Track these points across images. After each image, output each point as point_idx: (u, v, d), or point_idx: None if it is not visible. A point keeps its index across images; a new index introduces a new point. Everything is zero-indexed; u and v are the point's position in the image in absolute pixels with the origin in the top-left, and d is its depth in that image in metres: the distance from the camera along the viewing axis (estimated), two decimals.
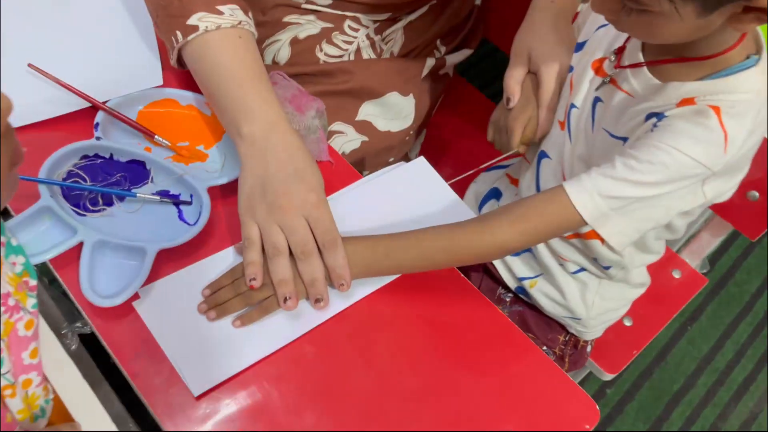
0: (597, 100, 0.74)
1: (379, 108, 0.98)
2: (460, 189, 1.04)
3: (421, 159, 0.81)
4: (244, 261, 0.67)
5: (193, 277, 0.68)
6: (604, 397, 1.39)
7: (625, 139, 0.69)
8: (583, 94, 0.75)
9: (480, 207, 0.99)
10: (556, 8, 0.84)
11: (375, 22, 0.94)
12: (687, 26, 0.56)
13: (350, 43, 0.94)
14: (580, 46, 0.80)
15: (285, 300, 0.65)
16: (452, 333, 0.68)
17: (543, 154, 0.83)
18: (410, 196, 0.78)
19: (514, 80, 0.84)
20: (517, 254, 0.91)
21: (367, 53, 0.96)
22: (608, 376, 0.99)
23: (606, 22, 0.75)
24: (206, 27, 0.71)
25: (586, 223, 0.64)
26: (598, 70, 0.74)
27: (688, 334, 1.50)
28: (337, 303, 0.68)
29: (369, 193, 0.77)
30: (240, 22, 0.73)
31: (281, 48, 0.94)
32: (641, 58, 0.67)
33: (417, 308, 0.69)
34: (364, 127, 0.97)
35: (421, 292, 0.70)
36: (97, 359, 0.73)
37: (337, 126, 0.94)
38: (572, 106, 0.77)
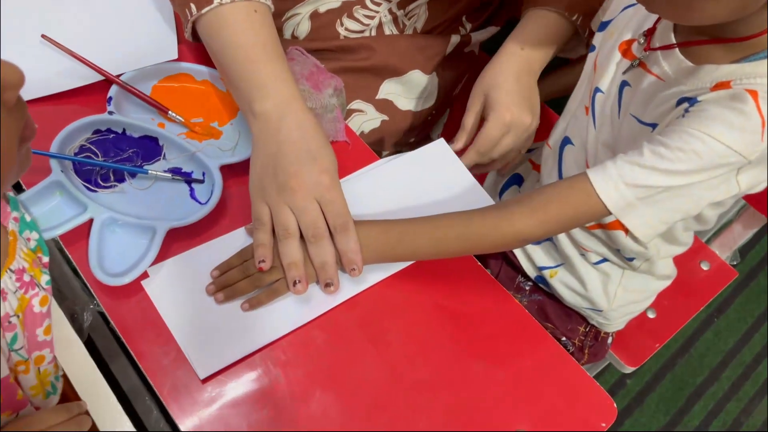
0: (624, 84, 0.70)
1: (401, 86, 0.95)
2: (480, 173, 1.01)
3: (441, 141, 0.78)
4: (254, 242, 0.65)
5: (203, 257, 0.67)
6: (624, 387, 1.37)
7: (654, 126, 0.66)
8: (609, 77, 0.71)
9: (501, 193, 0.96)
10: (524, 56, 0.80)
11: None
12: (730, 4, 0.52)
13: (372, 17, 0.91)
14: (604, 25, 0.76)
15: (294, 283, 0.63)
16: (466, 323, 0.66)
17: (566, 140, 0.80)
18: (428, 180, 0.75)
19: (468, 122, 0.81)
20: (537, 243, 0.88)
21: (390, 29, 0.93)
22: (628, 369, 0.97)
23: (634, 2, 0.71)
24: (220, 0, 0.69)
25: (610, 213, 0.61)
26: (625, 52, 0.70)
27: (715, 326, 1.46)
28: (348, 288, 0.66)
29: (385, 175, 0.75)
30: None
31: (301, 22, 0.91)
32: (673, 40, 0.63)
33: (430, 295, 0.67)
34: (384, 105, 0.94)
35: (435, 279, 0.68)
36: (115, 333, 0.73)
37: (356, 104, 0.92)
38: (597, 90, 0.73)
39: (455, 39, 0.98)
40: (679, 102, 0.61)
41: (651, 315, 0.99)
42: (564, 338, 0.91)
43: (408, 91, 0.96)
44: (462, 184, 0.75)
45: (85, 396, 0.58)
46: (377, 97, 0.94)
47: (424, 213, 0.71)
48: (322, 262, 0.65)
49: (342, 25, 0.91)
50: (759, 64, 0.57)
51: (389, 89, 0.94)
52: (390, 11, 0.91)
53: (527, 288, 0.93)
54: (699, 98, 0.59)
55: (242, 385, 0.60)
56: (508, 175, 0.97)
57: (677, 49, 0.62)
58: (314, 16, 0.91)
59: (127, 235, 0.66)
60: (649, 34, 0.67)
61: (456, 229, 0.65)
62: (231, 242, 0.68)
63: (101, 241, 0.64)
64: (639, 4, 0.59)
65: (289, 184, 0.65)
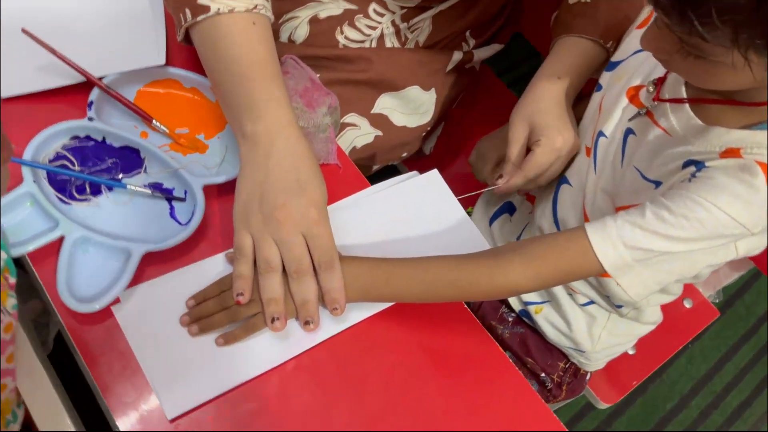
0: (629, 131, 0.68)
1: (397, 101, 0.92)
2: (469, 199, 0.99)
3: (435, 172, 0.75)
4: (233, 273, 0.62)
5: (179, 283, 0.64)
6: (593, 410, 1.37)
7: (657, 183, 0.63)
8: (614, 122, 0.69)
9: (491, 221, 0.94)
10: (561, 85, 0.77)
11: (402, 8, 0.87)
12: (752, 77, 0.50)
13: (374, 28, 0.87)
14: (613, 65, 0.73)
15: (273, 320, 0.61)
16: (447, 366, 0.64)
17: (564, 180, 0.77)
18: (419, 212, 0.72)
19: (514, 154, 0.77)
20: None
21: (391, 41, 0.89)
22: (603, 406, 0.96)
23: None
24: (218, 9, 0.65)
25: (606, 272, 0.60)
26: (633, 98, 0.67)
27: (689, 351, 1.46)
28: (329, 327, 0.64)
29: (376, 204, 0.72)
30: (255, 6, 0.66)
31: (299, 26, 0.87)
32: (684, 94, 0.61)
33: (412, 335, 0.65)
34: (379, 120, 0.91)
35: (417, 317, 0.66)
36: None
37: (350, 118, 0.89)
38: (600, 133, 0.71)
39: (457, 56, 0.95)
40: (686, 164, 0.59)
41: (631, 351, 0.98)
42: (543, 374, 0.89)
43: (404, 106, 0.93)
44: (454, 218, 0.73)
45: (44, 426, 0.55)
46: (372, 111, 0.90)
47: (414, 246, 0.69)
48: (303, 299, 0.62)
49: (342, 33, 0.87)
50: None
51: (385, 103, 0.91)
52: (393, 23, 0.88)
53: (510, 319, 0.92)
54: (707, 163, 0.57)
55: (210, 426, 0.58)
56: (500, 203, 0.95)
57: (687, 105, 0.60)
58: (314, 21, 0.87)
59: (99, 256, 0.62)
60: (660, 82, 0.64)
61: (447, 275, 0.62)
62: (209, 268, 0.65)
63: (71, 262, 0.61)
64: None
65: (275, 215, 0.61)
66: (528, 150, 0.76)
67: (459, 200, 0.75)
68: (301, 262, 0.61)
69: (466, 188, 1.05)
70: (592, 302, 0.81)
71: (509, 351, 0.90)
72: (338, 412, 0.60)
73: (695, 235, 0.57)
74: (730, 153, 0.56)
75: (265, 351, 0.61)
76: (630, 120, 0.67)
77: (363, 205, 0.72)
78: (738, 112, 0.57)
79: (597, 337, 0.83)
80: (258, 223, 0.62)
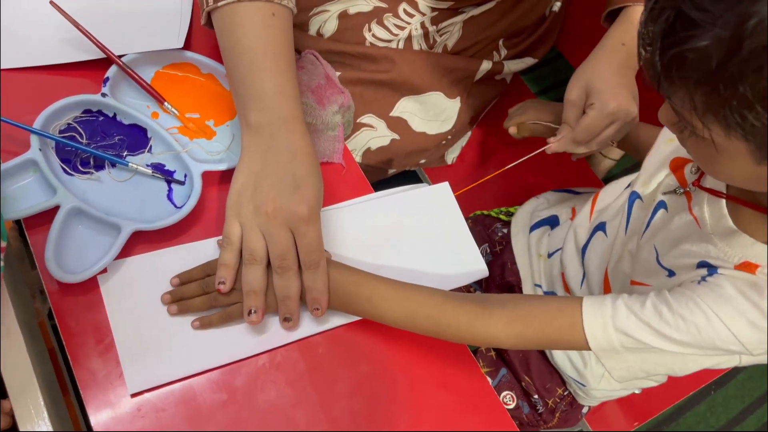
0: (662, 204, 0.63)
1: (418, 106, 0.91)
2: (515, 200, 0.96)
3: (445, 185, 0.73)
4: (219, 261, 0.62)
5: (167, 261, 0.64)
6: None
7: (671, 272, 0.60)
8: (652, 188, 0.65)
9: (532, 228, 0.91)
10: (625, 51, 0.73)
11: (433, 10, 0.85)
12: (745, 171, 0.45)
13: (402, 28, 0.86)
14: None
15: (250, 312, 0.60)
16: (421, 385, 0.63)
17: (601, 226, 0.75)
18: (421, 222, 0.71)
19: (570, 116, 0.75)
20: (546, 293, 0.85)
21: (419, 43, 0.88)
22: None
23: None
24: None
25: (591, 350, 0.57)
26: (676, 170, 0.63)
27: (710, 398, 1.39)
28: (307, 326, 0.63)
29: (377, 209, 0.71)
30: None
31: (328, 19, 0.87)
32: (723, 188, 0.56)
33: (391, 347, 0.64)
34: (397, 124, 0.90)
35: (400, 331, 0.64)
36: None
37: (367, 118, 0.88)
38: (635, 194, 0.67)
39: (486, 65, 0.93)
40: (700, 264, 0.55)
41: (637, 391, 0.94)
42: (536, 396, 0.86)
43: (425, 111, 0.91)
44: (455, 235, 0.71)
45: (13, 392, 0.56)
46: (391, 114, 0.89)
47: (408, 257, 0.68)
48: (284, 295, 0.61)
49: (370, 30, 0.86)
50: None
51: (405, 107, 0.90)
52: (422, 25, 0.87)
53: None
54: (719, 270, 0.53)
55: (172, 412, 0.58)
56: (547, 215, 0.91)
57: (724, 201, 0.55)
58: (343, 16, 0.86)
59: (91, 229, 0.63)
60: None
61: (429, 309, 0.60)
62: (201, 251, 0.65)
63: (62, 232, 0.62)
64: None
65: (265, 207, 0.61)
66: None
67: (517, 163, 0.76)
68: (286, 258, 0.61)
69: (487, 202, 1.03)
70: None
71: (509, 366, 0.88)
72: (301, 414, 0.59)
73: (689, 340, 0.53)
74: (746, 266, 0.52)
75: (239, 341, 0.61)
76: (665, 193, 0.63)
77: (364, 209, 0.71)
78: None
79: (600, 376, 0.79)
80: (248, 213, 0.62)
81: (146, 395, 0.58)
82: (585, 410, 0.90)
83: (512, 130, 0.83)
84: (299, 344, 0.62)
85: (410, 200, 0.72)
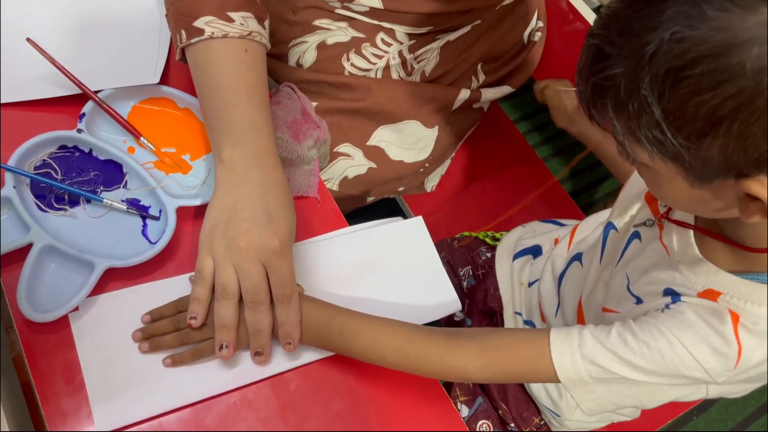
0: (636, 235, 0.64)
1: (395, 135, 0.91)
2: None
3: (419, 219, 0.74)
4: (191, 295, 0.62)
5: (139, 298, 0.64)
6: None
7: (638, 299, 0.60)
8: (625, 221, 0.66)
9: (515, 256, 0.91)
10: None
11: (411, 38, 0.86)
12: (684, 193, 0.46)
13: (380, 57, 0.87)
14: None
15: (221, 347, 0.61)
16: (394, 422, 0.63)
17: (578, 256, 0.75)
18: (394, 255, 0.72)
19: None
20: (526, 323, 0.85)
21: (397, 71, 0.89)
22: None
23: None
24: (212, 33, 0.66)
25: (559, 381, 0.57)
26: (651, 202, 0.64)
27: (693, 423, 1.40)
28: (279, 362, 0.63)
29: (351, 243, 0.71)
30: (250, 33, 0.67)
31: (307, 50, 0.88)
32: (692, 221, 0.57)
33: (363, 384, 0.64)
34: (374, 153, 0.91)
35: (374, 367, 0.64)
36: None
37: (344, 148, 0.89)
38: (611, 225, 0.68)
39: (464, 94, 0.94)
40: (666, 292, 0.56)
41: (613, 421, 0.94)
42: (512, 424, 0.87)
43: (402, 140, 0.92)
44: (429, 268, 0.72)
45: None
46: (368, 143, 0.90)
47: (382, 290, 0.68)
48: (256, 329, 0.62)
49: (348, 60, 0.88)
50: (757, 287, 0.50)
51: (382, 136, 0.91)
52: (400, 54, 0.88)
53: None
54: (682, 298, 0.54)
55: None
56: (530, 245, 0.92)
57: (692, 232, 0.56)
58: (321, 46, 0.87)
59: (64, 267, 0.64)
60: None
61: (397, 340, 0.61)
62: (172, 288, 0.66)
63: (34, 271, 0.62)
64: None
65: (237, 242, 0.62)
66: None
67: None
68: (257, 292, 0.61)
69: (468, 226, 1.04)
70: None
71: (487, 394, 0.88)
72: None
73: (653, 368, 0.53)
74: (708, 294, 0.53)
75: (210, 378, 0.61)
76: (638, 225, 0.64)
77: (339, 242, 0.71)
78: (733, 253, 0.53)
79: (574, 407, 0.80)
80: (220, 248, 0.62)
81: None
82: None
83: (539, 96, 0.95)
84: (271, 381, 0.63)
85: (384, 234, 0.73)
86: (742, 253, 0.52)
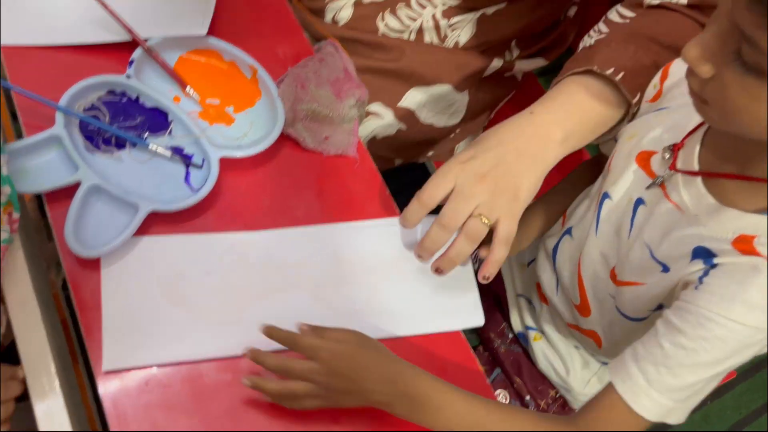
0: (640, 201, 0.62)
1: (427, 97, 0.91)
2: None
3: None
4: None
5: (177, 249, 0.66)
6: None
7: (665, 267, 0.59)
8: (623, 187, 0.64)
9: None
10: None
11: (445, 3, 0.86)
12: None
13: (414, 19, 0.87)
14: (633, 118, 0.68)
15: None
16: None
17: (568, 230, 0.73)
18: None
19: None
20: (530, 302, 0.85)
21: (430, 36, 0.89)
22: None
23: (664, 106, 0.63)
24: None
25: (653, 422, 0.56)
26: (643, 164, 0.62)
27: (706, 408, 1.40)
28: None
29: (391, 233, 0.71)
30: None
31: (343, 7, 0.88)
32: (696, 166, 0.56)
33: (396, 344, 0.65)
34: (405, 114, 0.90)
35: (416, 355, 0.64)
36: None
37: (375, 107, 0.88)
38: (606, 195, 0.66)
39: (497, 63, 0.93)
40: (696, 253, 0.55)
41: None
42: (528, 396, 0.88)
43: (434, 104, 0.92)
44: (460, 279, 0.69)
45: (28, 362, 0.58)
46: (399, 104, 0.90)
47: (406, 292, 0.68)
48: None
49: (383, 20, 0.88)
50: None
51: (414, 98, 0.90)
52: (433, 17, 0.87)
53: (510, 337, 0.91)
54: (716, 260, 0.53)
55: (177, 391, 0.60)
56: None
57: (700, 180, 0.55)
58: (357, 4, 0.88)
59: (108, 207, 0.65)
60: (676, 150, 0.59)
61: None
62: (212, 243, 0.67)
63: (82, 208, 0.64)
64: (666, 109, 0.53)
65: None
66: None
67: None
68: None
69: None
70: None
71: (500, 367, 0.89)
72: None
73: (721, 355, 0.52)
74: (743, 241, 0.52)
75: (227, 340, 0.62)
76: (646, 188, 0.62)
77: (379, 232, 0.71)
78: (752, 190, 0.52)
79: (586, 381, 0.81)
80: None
81: (153, 370, 0.60)
82: None
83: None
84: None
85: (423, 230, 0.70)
86: (762, 188, 0.51)
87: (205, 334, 0.62)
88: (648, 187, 0.61)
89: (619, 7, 0.73)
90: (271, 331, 0.59)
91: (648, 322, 0.64)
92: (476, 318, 0.68)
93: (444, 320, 0.68)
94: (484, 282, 0.65)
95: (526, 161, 0.64)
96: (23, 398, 0.58)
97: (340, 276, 0.68)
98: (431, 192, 0.64)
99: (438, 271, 0.66)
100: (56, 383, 0.57)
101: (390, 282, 0.68)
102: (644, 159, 0.62)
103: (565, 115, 0.66)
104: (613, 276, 0.66)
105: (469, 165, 0.64)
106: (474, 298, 0.69)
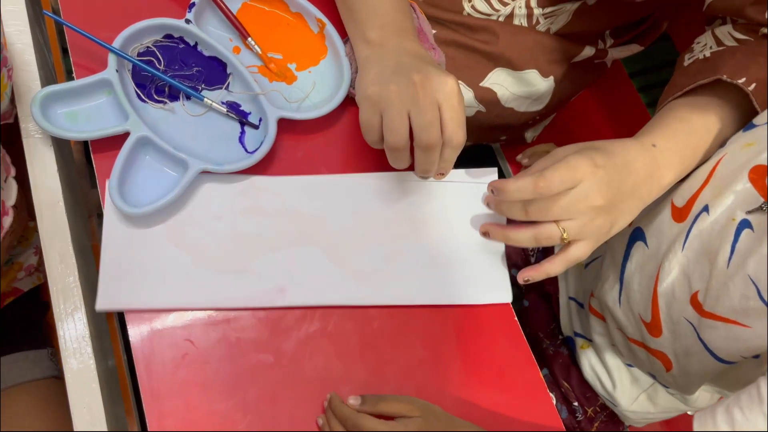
0: (746, 224, 0.53)
1: (511, 80, 0.84)
2: None
3: (493, 171, 0.67)
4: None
5: (187, 189, 0.60)
6: None
7: None
8: (726, 203, 0.55)
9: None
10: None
11: None
12: None
13: (505, 4, 0.79)
14: (749, 126, 0.58)
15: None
16: (475, 381, 0.59)
17: (640, 235, 0.65)
18: (461, 219, 0.65)
19: None
20: (581, 306, 0.79)
21: (520, 22, 0.81)
22: None
23: None
24: None
25: None
26: (756, 181, 0.53)
27: None
28: (359, 294, 0.60)
29: (424, 189, 0.66)
30: None
31: None
32: None
33: (450, 336, 0.60)
34: (486, 95, 0.84)
35: (463, 317, 0.61)
36: None
37: None
38: (705, 208, 0.56)
39: (588, 51, 0.85)
40: None
41: (689, 412, 0.89)
42: (576, 403, 0.82)
43: (518, 87, 0.85)
44: (490, 249, 0.64)
45: (60, 317, 0.55)
46: (482, 84, 0.83)
47: (432, 255, 0.63)
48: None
49: (470, 1, 0.80)
50: None
51: (498, 79, 0.83)
52: (527, 4, 0.79)
53: (560, 338, 0.85)
54: None
55: (215, 368, 0.56)
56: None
57: None
58: None
59: (156, 161, 0.61)
60: None
61: None
62: (224, 186, 0.62)
63: (129, 160, 0.59)
64: None
65: (413, 78, 0.57)
66: None
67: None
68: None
69: None
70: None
71: (548, 368, 0.84)
72: (347, 391, 0.56)
73: None
74: None
75: (229, 290, 0.58)
76: (749, 213, 0.53)
77: (412, 186, 0.66)
78: None
79: (635, 398, 0.74)
80: (389, 93, 0.57)
81: (190, 346, 0.56)
82: (628, 424, 0.86)
83: (525, 161, 0.79)
84: (353, 315, 0.59)
85: (461, 192, 0.65)
86: None
87: (208, 283, 0.58)
88: (751, 212, 0.52)
89: (731, 29, 0.64)
90: (334, 408, 0.56)
91: (736, 368, 0.56)
92: (504, 294, 0.63)
93: (468, 292, 0.62)
94: (523, 284, 0.59)
95: (635, 203, 0.58)
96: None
97: (359, 233, 0.62)
98: (552, 185, 0.55)
99: (485, 234, 0.62)
100: (89, 348, 0.54)
101: (411, 245, 0.63)
102: (760, 175, 0.53)
103: (680, 159, 0.59)
104: (695, 303, 0.57)
105: (599, 173, 0.56)
106: (503, 274, 0.64)
